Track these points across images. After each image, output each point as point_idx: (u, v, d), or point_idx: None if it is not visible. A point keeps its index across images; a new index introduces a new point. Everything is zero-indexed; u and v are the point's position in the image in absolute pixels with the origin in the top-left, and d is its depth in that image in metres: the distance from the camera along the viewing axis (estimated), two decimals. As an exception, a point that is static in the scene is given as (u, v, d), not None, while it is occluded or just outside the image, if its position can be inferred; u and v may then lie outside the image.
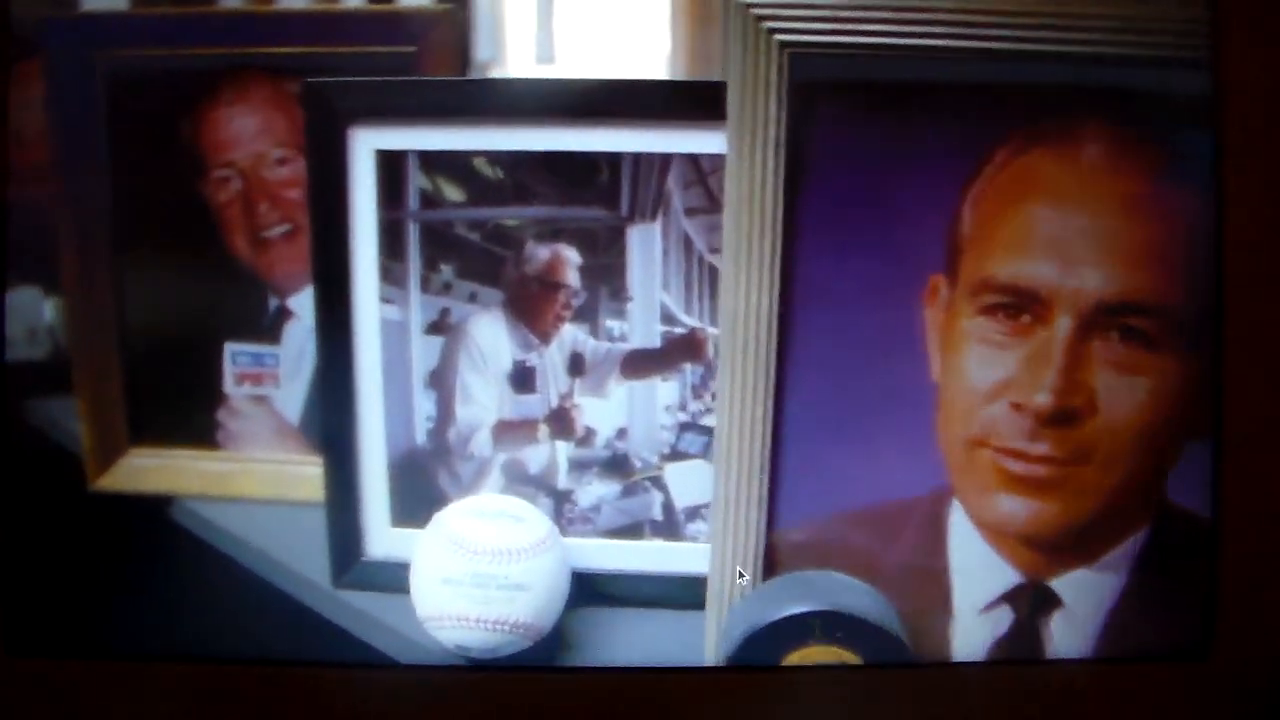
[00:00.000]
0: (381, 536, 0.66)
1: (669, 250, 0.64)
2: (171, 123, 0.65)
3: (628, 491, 0.66)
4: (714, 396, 0.64)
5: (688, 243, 0.64)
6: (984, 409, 0.61)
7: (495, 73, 0.64)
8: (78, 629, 0.65)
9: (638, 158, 0.63)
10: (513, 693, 0.60)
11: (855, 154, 0.60)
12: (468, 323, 0.65)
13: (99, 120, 0.65)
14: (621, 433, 0.65)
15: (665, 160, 0.63)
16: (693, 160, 0.63)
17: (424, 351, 0.65)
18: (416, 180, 0.64)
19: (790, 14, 0.59)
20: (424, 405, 0.65)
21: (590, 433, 0.65)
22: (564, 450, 0.66)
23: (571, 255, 0.64)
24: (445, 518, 0.62)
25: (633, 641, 0.64)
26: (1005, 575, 0.63)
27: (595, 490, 0.65)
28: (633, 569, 0.65)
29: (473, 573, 0.59)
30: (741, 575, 0.62)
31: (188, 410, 0.67)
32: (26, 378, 0.65)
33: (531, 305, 0.65)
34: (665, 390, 0.65)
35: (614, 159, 0.63)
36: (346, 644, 0.64)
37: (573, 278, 0.64)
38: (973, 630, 0.63)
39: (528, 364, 0.65)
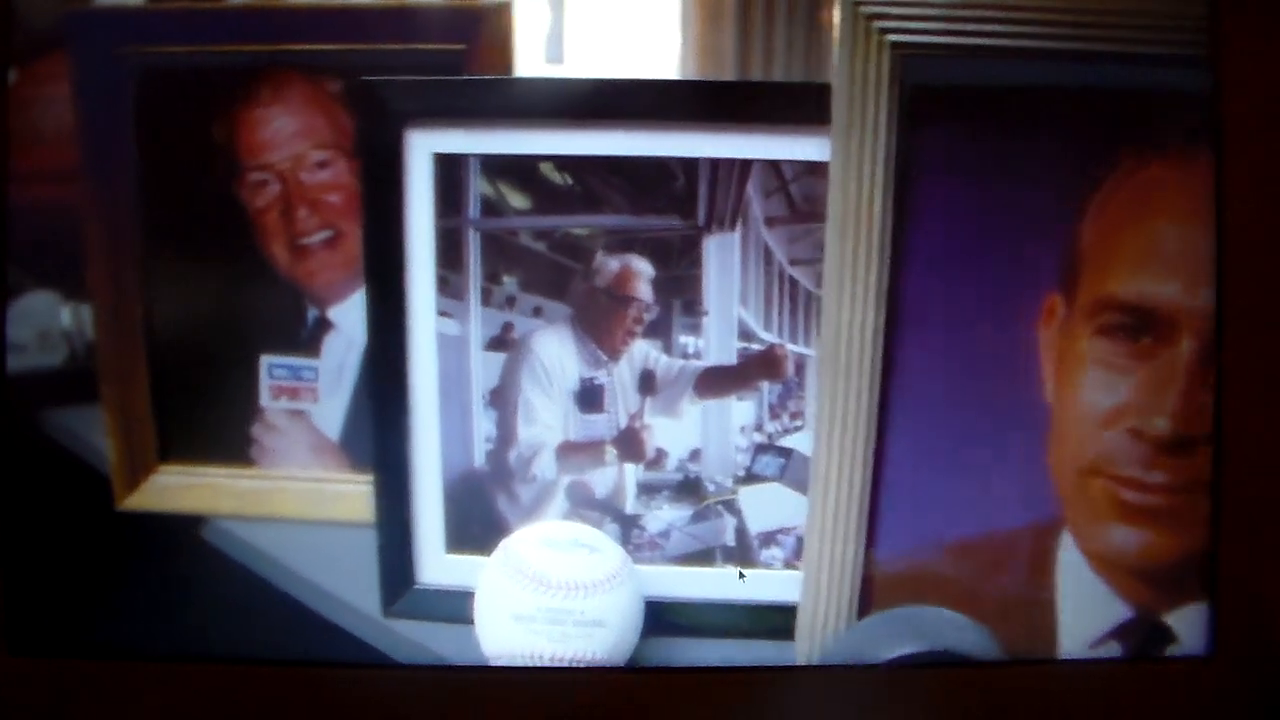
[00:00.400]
0: (435, 563, 0.64)
1: (747, 262, 0.62)
2: (204, 123, 0.63)
3: (699, 516, 0.63)
4: (792, 417, 0.62)
5: (768, 254, 0.62)
6: (1100, 435, 0.59)
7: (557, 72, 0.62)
8: (78, 629, 0.63)
9: (715, 163, 0.61)
10: (513, 693, 0.59)
11: (968, 164, 0.58)
12: (532, 338, 0.63)
13: (127, 120, 0.63)
14: (694, 454, 0.63)
15: (745, 166, 0.61)
16: (774, 166, 0.61)
17: (484, 368, 0.63)
18: (477, 186, 0.62)
19: (903, 12, 0.56)
20: (483, 425, 0.63)
21: (661, 454, 0.63)
22: (632, 473, 0.63)
23: (644, 267, 0.62)
24: (513, 547, 0.59)
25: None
26: (1116, 609, 0.61)
27: (665, 515, 0.63)
28: (702, 597, 0.63)
29: (547, 609, 0.56)
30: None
31: (220, 425, 0.64)
32: (41, 385, 0.63)
33: (601, 320, 0.63)
34: (741, 410, 0.63)
35: (690, 164, 0.61)
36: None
37: (645, 291, 0.62)
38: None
39: (596, 382, 0.63)
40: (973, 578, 0.60)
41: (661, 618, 0.62)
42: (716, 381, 0.63)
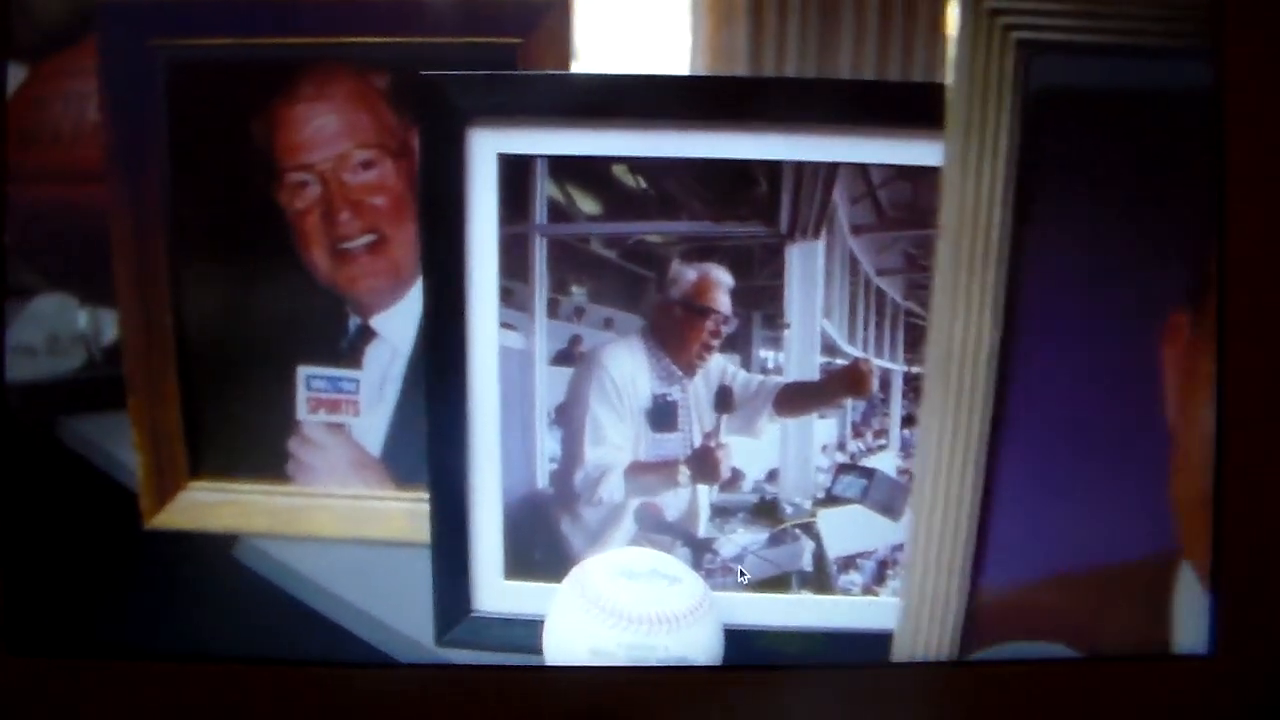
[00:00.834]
0: (493, 589, 0.62)
1: (832, 272, 0.60)
2: (241, 120, 0.61)
3: (775, 540, 0.62)
4: (876, 435, 0.61)
5: (853, 263, 0.60)
6: None
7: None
8: (79, 629, 0.62)
9: (800, 167, 0.59)
10: (514, 692, 0.58)
11: (1093, 170, 0.57)
12: (601, 352, 0.61)
13: (158, 116, 0.60)
14: (771, 475, 0.61)
15: (831, 170, 0.59)
16: (861, 171, 0.59)
17: (549, 384, 0.61)
18: (545, 189, 0.60)
19: (1029, 7, 0.54)
20: (547, 444, 0.61)
21: (737, 475, 0.61)
22: (705, 495, 0.61)
23: (723, 276, 0.60)
24: (588, 578, 0.56)
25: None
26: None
27: (739, 539, 0.61)
28: (779, 624, 0.61)
29: (628, 644, 0.54)
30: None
31: (254, 440, 0.63)
32: (53, 391, 0.61)
33: (675, 332, 0.61)
34: (822, 428, 0.61)
35: (774, 168, 0.59)
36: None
37: (724, 302, 0.60)
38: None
39: (669, 399, 0.61)
40: (1085, 613, 0.58)
41: (735, 645, 0.59)
42: (797, 398, 0.61)
